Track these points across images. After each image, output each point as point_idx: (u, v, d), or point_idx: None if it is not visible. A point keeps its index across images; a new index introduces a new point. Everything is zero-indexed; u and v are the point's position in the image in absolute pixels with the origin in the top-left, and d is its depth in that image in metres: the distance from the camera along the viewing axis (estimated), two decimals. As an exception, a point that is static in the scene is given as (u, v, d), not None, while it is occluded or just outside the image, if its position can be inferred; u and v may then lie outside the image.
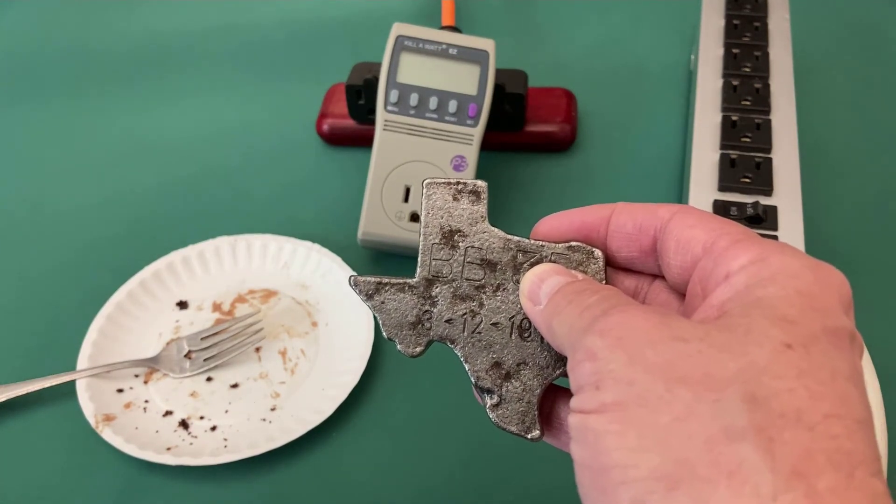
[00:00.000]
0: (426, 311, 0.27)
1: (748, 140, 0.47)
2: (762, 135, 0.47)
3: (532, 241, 0.27)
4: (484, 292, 0.27)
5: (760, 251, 0.22)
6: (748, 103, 0.49)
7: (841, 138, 0.55)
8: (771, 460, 0.18)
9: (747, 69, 0.51)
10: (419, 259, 0.27)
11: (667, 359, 0.20)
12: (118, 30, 0.69)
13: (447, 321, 0.27)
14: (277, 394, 0.43)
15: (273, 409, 0.42)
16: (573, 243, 0.27)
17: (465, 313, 0.27)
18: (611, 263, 0.27)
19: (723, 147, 0.47)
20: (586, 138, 0.57)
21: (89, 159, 0.58)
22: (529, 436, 0.26)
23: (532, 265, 0.27)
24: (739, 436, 0.18)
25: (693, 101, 0.52)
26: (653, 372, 0.20)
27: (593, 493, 0.20)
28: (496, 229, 0.27)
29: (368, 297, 0.27)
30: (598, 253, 0.27)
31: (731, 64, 0.52)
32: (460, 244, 0.27)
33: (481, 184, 0.28)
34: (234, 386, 0.43)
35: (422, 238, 0.27)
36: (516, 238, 0.27)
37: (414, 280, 0.27)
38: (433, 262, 0.27)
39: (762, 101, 0.49)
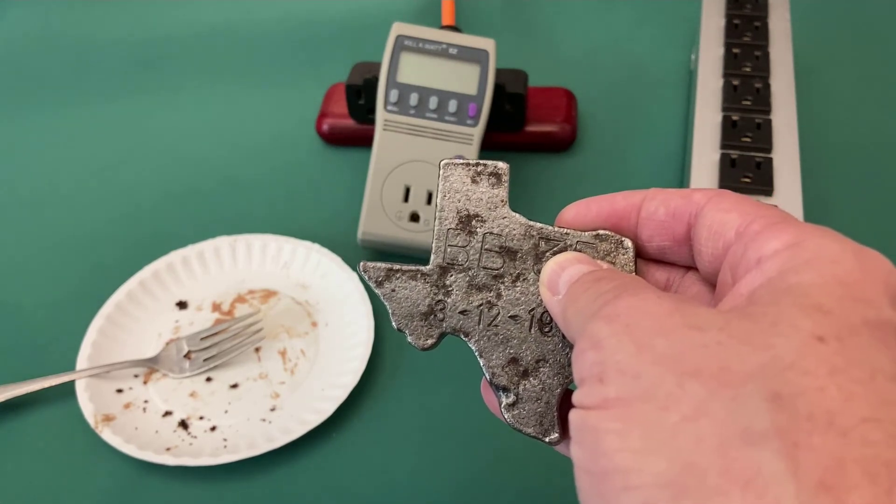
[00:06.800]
0: (439, 300, 0.25)
1: (748, 140, 0.47)
2: (763, 135, 0.47)
3: (556, 229, 0.25)
4: (502, 282, 0.25)
5: (797, 234, 0.19)
6: (748, 103, 0.49)
7: (841, 138, 0.55)
8: (795, 469, 0.15)
9: (748, 69, 0.51)
10: (433, 245, 0.26)
11: (679, 349, 0.18)
12: (118, 30, 0.69)
13: (461, 312, 0.25)
14: (277, 394, 0.43)
15: (273, 410, 0.42)
16: (601, 232, 0.25)
17: (481, 304, 0.25)
18: (641, 254, 0.25)
19: (723, 147, 0.47)
20: (586, 138, 0.56)
21: (88, 159, 0.58)
22: (547, 439, 0.25)
23: (555, 254, 0.25)
24: (759, 439, 0.16)
25: (693, 101, 0.52)
26: (662, 364, 0.18)
27: (593, 500, 0.18)
28: (517, 215, 0.26)
29: (378, 284, 0.25)
30: (627, 242, 0.25)
31: (732, 64, 0.52)
32: (478, 230, 0.25)
33: (502, 165, 0.26)
34: (234, 386, 0.43)
35: (437, 222, 0.26)
36: (539, 225, 0.25)
37: (427, 267, 0.25)
38: (448, 249, 0.25)
39: (763, 100, 0.49)
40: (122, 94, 0.63)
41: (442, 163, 0.26)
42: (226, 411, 0.42)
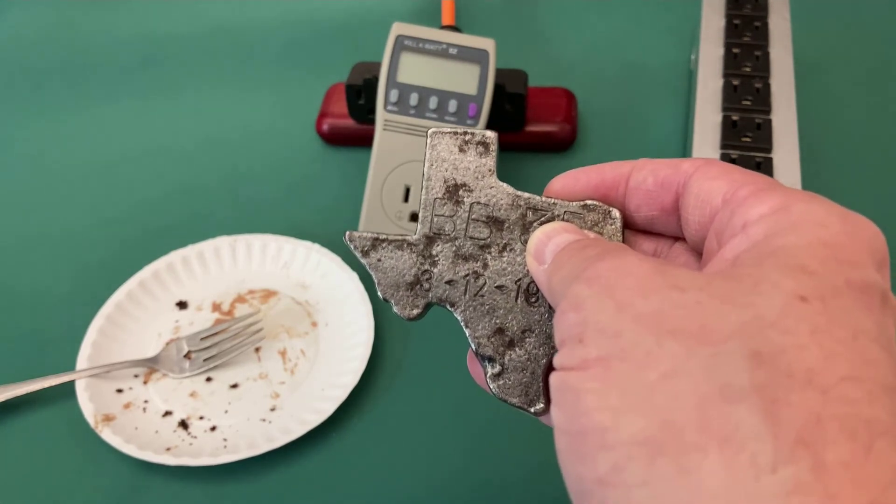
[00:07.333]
0: (425, 270, 0.25)
1: (748, 140, 0.47)
2: (762, 135, 0.47)
3: (544, 199, 0.25)
4: (489, 252, 0.25)
5: (784, 199, 0.19)
6: (748, 103, 0.49)
7: (841, 138, 0.55)
8: (773, 425, 0.15)
9: (748, 69, 0.51)
10: (420, 214, 0.25)
11: (659, 308, 0.18)
12: (118, 30, 0.69)
13: (448, 282, 0.25)
14: (277, 394, 0.43)
15: (273, 410, 0.42)
16: (589, 202, 0.25)
17: (467, 274, 0.25)
18: (629, 225, 0.25)
19: (723, 147, 0.47)
20: (586, 138, 0.56)
21: (88, 159, 0.58)
22: (532, 409, 0.24)
23: (542, 224, 0.25)
24: (738, 396, 0.16)
25: (693, 101, 0.52)
26: (642, 323, 0.18)
27: (571, 460, 0.18)
28: (505, 185, 0.25)
29: (364, 253, 0.25)
30: (615, 213, 0.25)
31: (732, 64, 0.52)
32: (465, 200, 0.25)
33: (490, 134, 0.26)
34: (234, 386, 0.43)
35: (423, 192, 0.25)
36: (526, 195, 0.25)
37: (414, 237, 0.25)
38: (435, 219, 0.25)
39: (762, 100, 0.49)
40: (123, 94, 0.63)
41: (430, 131, 0.26)
42: (226, 411, 0.42)
